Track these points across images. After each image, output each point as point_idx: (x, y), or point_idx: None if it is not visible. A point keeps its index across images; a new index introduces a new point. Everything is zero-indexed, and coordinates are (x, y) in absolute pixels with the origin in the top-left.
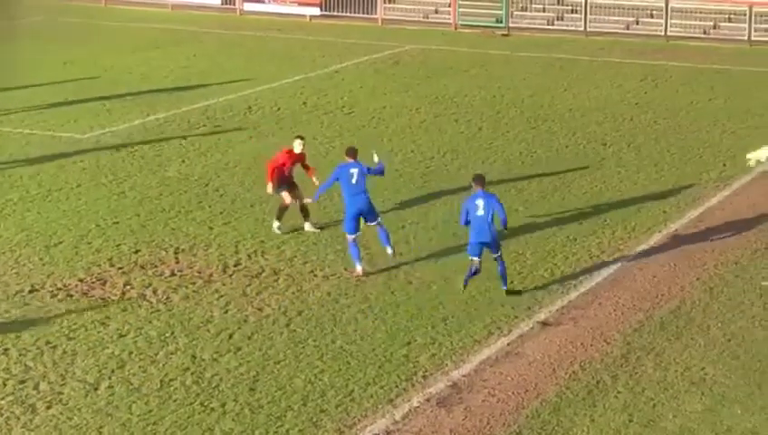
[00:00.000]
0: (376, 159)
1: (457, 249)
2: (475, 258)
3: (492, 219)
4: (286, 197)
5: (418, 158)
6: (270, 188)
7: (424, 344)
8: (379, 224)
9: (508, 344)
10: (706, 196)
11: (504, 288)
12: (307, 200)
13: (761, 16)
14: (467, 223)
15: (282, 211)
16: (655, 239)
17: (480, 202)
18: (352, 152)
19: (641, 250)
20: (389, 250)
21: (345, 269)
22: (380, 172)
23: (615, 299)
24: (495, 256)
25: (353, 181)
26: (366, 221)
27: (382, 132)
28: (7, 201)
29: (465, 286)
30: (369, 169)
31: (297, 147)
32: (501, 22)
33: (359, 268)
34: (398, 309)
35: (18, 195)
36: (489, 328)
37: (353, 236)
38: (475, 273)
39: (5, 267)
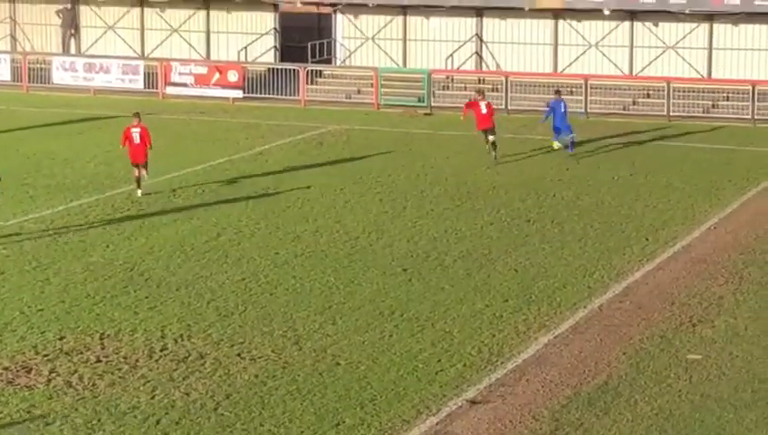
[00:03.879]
0: None
1: (384, 330)
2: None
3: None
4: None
5: (344, 237)
6: None
7: (353, 426)
8: None
9: (437, 424)
10: (630, 270)
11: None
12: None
13: (679, 92)
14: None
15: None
16: (580, 315)
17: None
18: None
19: (567, 326)
20: None
21: (272, 352)
22: None
23: (542, 376)
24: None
25: None
26: None
27: (307, 213)
28: None
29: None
30: None
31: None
32: (423, 101)
33: None
34: (327, 390)
35: None
36: (418, 407)
37: None
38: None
39: None
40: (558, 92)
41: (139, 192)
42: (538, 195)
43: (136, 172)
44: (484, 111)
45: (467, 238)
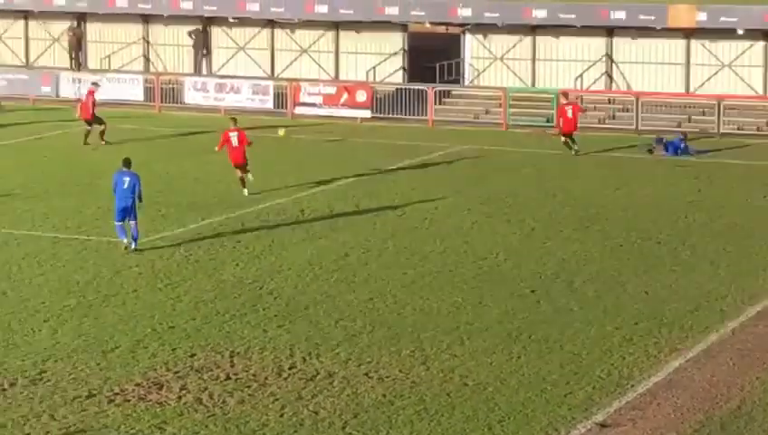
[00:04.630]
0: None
1: (512, 351)
2: None
3: None
4: None
5: (471, 258)
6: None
7: None
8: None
9: None
10: (764, 294)
11: None
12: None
13: None
14: None
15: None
16: (712, 338)
17: None
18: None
19: (699, 349)
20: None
21: (400, 371)
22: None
23: (674, 399)
24: None
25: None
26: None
27: (434, 233)
28: (65, 307)
29: None
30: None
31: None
32: (551, 121)
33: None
34: (454, 411)
35: (75, 301)
36: (546, 430)
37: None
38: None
39: (63, 373)
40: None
41: (246, 192)
42: (669, 216)
43: (238, 173)
44: (569, 114)
45: (597, 260)
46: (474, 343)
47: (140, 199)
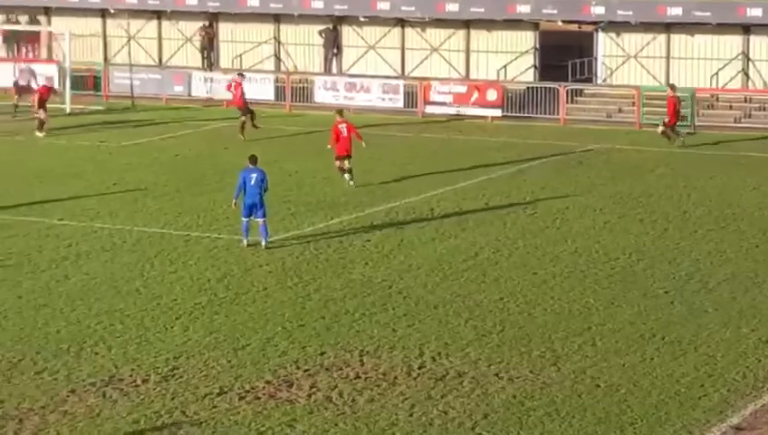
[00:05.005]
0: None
1: (644, 352)
2: None
3: None
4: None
5: (603, 258)
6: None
7: None
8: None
9: None
10: None
11: None
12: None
13: None
14: None
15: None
16: None
17: None
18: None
19: None
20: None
21: (530, 372)
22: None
23: None
24: None
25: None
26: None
27: (566, 233)
28: (196, 305)
29: None
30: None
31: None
32: (686, 120)
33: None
34: (585, 413)
35: (206, 298)
36: (680, 433)
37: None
38: None
39: (194, 370)
40: None
41: (352, 183)
42: None
43: (338, 164)
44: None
45: (732, 261)
46: (605, 344)
47: (266, 190)
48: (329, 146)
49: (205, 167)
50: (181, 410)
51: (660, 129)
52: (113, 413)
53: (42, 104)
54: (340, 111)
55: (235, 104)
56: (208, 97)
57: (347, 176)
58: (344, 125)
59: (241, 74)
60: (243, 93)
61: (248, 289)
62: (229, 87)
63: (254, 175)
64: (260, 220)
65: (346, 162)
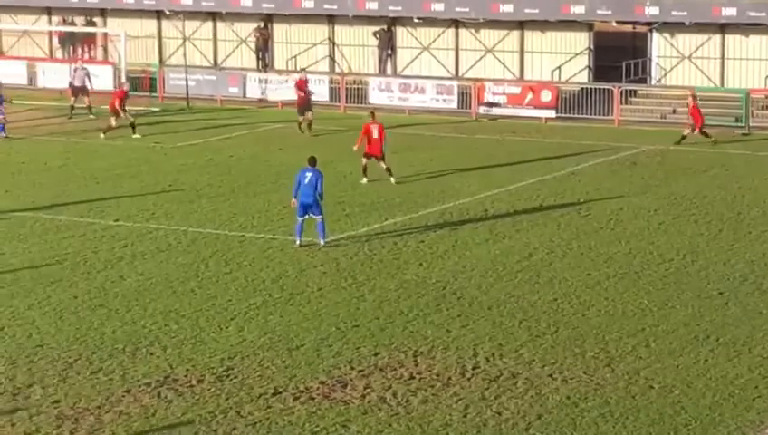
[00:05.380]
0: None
1: (699, 354)
2: None
3: None
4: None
5: (657, 259)
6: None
7: None
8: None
9: None
10: None
11: None
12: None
13: None
14: None
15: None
16: None
17: None
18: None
19: None
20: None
21: (584, 373)
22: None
23: None
24: None
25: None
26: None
27: (620, 234)
28: (251, 305)
29: None
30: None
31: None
32: (740, 121)
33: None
34: (639, 414)
35: (261, 299)
36: (734, 434)
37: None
38: None
39: (249, 370)
40: None
41: (393, 180)
42: None
43: (365, 162)
44: None
45: None
46: (659, 346)
47: (321, 197)
48: (355, 147)
49: (259, 168)
50: (236, 411)
51: (695, 133)
52: (168, 413)
53: (121, 106)
54: (372, 113)
55: (300, 104)
56: (261, 98)
57: (388, 176)
58: (376, 126)
59: (303, 70)
60: (306, 92)
61: (303, 290)
62: (301, 85)
63: (309, 174)
64: (317, 218)
65: (382, 163)
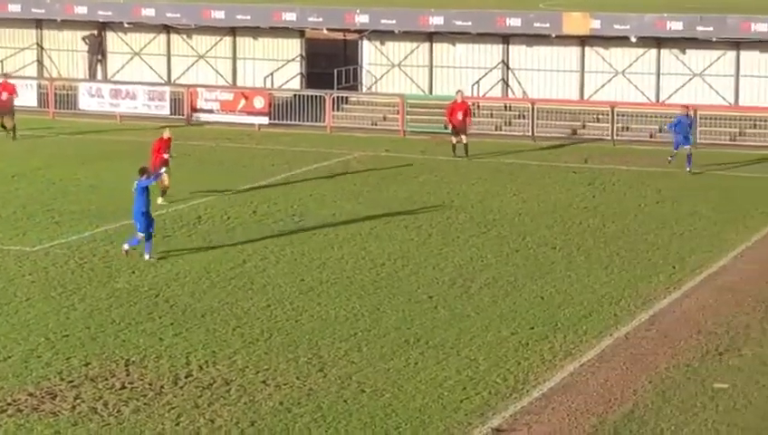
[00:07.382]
0: None
1: (409, 357)
2: None
3: None
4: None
5: (369, 265)
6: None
7: None
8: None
9: None
10: (657, 298)
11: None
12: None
13: (706, 119)
14: None
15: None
16: (606, 343)
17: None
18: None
19: (593, 354)
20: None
21: (297, 378)
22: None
23: (568, 404)
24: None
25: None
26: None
27: (333, 240)
28: None
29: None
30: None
31: (166, 133)
32: (447, 128)
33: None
34: (351, 418)
35: None
36: None
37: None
38: None
39: None
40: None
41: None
42: (564, 222)
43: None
44: None
45: (493, 266)
46: (371, 350)
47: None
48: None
49: None
50: None
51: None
52: None
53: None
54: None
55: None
56: None
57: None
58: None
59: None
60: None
61: (10, 300)
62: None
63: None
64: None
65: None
